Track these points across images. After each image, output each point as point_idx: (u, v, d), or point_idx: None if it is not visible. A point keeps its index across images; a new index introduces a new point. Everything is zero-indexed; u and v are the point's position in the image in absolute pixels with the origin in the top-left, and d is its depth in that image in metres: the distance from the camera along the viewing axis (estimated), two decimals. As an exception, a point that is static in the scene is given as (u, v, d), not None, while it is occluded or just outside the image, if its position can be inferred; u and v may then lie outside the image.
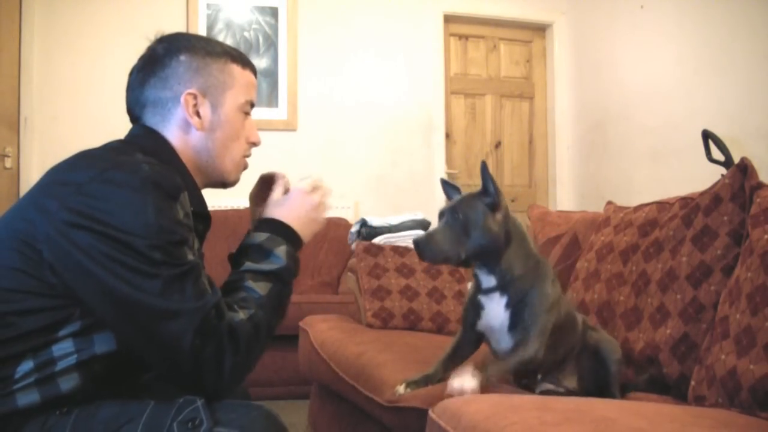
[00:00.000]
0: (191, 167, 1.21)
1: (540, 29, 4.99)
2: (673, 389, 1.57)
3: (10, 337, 1.00)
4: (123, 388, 1.11)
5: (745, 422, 1.19)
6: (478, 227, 1.39)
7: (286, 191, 1.38)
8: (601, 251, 1.96)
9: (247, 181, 1.39)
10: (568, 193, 4.87)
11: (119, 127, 1.31)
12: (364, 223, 2.59)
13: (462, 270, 2.44)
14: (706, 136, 3.24)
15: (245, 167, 1.30)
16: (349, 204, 4.30)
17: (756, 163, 1.61)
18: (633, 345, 1.69)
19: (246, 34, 4.30)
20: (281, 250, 1.18)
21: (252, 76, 1.28)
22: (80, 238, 0.98)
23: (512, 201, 4.80)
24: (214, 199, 1.43)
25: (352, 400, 1.88)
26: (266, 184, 1.36)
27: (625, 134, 4.29)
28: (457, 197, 1.48)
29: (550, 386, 1.49)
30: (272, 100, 4.32)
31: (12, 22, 3.81)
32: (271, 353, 2.42)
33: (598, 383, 1.51)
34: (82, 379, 1.04)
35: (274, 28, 4.35)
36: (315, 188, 1.29)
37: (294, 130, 4.34)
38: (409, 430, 1.48)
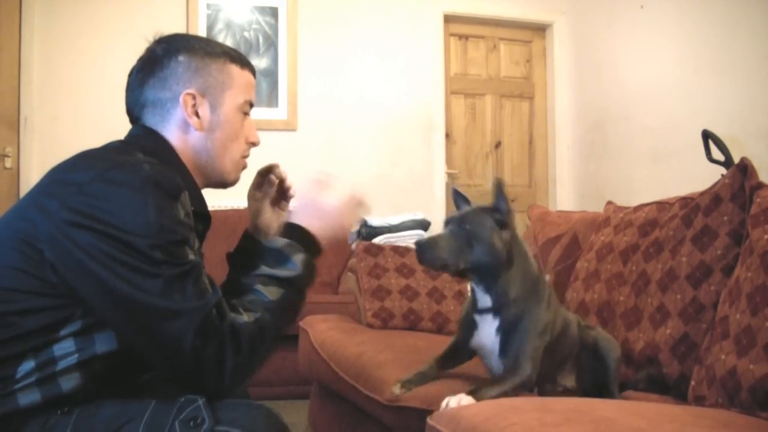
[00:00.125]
0: (191, 167, 1.22)
1: (540, 29, 4.99)
2: (673, 389, 1.57)
3: (11, 337, 1.00)
4: (124, 388, 1.11)
5: (745, 422, 1.19)
6: (483, 241, 1.38)
7: (281, 181, 1.39)
8: (601, 251, 1.96)
9: (247, 182, 1.39)
10: (568, 193, 4.87)
11: (119, 127, 1.31)
12: (364, 223, 2.59)
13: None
14: (706, 136, 3.24)
15: (244, 167, 1.30)
16: (349, 204, 4.29)
17: (756, 163, 1.61)
18: (633, 345, 1.69)
19: (246, 34, 4.30)
20: (298, 258, 1.17)
21: (251, 77, 1.28)
22: (81, 238, 0.99)
23: (512, 201, 4.78)
24: (214, 199, 1.43)
25: (352, 400, 1.88)
26: (264, 179, 1.37)
27: (625, 134, 4.29)
28: (466, 208, 1.47)
29: (548, 385, 1.49)
30: (272, 100, 4.32)
31: (12, 22, 3.81)
32: (271, 353, 2.42)
33: (597, 381, 1.52)
34: (83, 378, 1.04)
35: (274, 28, 4.35)
36: (322, 183, 1.27)
37: (294, 130, 4.34)
38: (410, 430, 1.48)
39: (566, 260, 2.18)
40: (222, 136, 1.23)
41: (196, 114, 1.20)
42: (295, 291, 1.16)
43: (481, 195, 4.82)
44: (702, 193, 1.68)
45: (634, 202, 2.04)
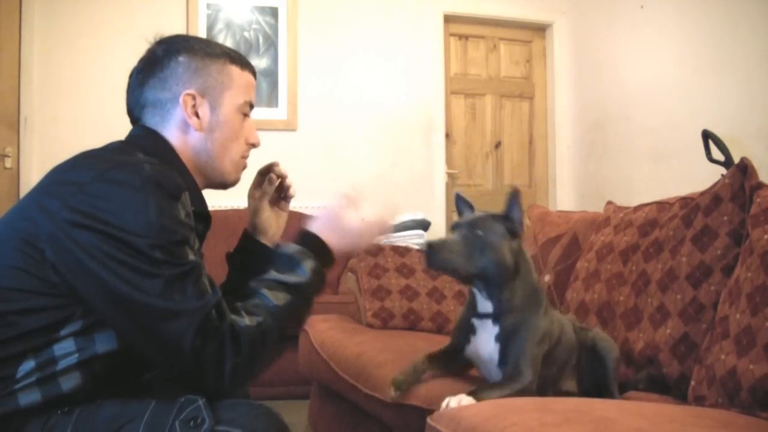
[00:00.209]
0: (191, 167, 1.22)
1: (540, 29, 4.99)
2: (673, 389, 1.57)
3: (12, 337, 1.00)
4: (124, 388, 1.11)
5: (745, 422, 1.20)
6: (495, 249, 1.37)
7: (281, 180, 1.39)
8: (601, 251, 1.96)
9: (248, 182, 1.39)
10: (568, 193, 4.87)
11: (119, 127, 1.31)
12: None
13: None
14: (706, 136, 3.24)
15: (244, 168, 1.30)
16: (349, 204, 4.29)
17: (756, 163, 1.61)
18: (633, 345, 1.69)
19: (246, 34, 4.30)
20: (308, 265, 1.16)
21: (251, 78, 1.28)
22: (82, 237, 0.99)
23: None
24: (214, 199, 1.43)
25: (353, 400, 1.88)
26: (264, 178, 1.37)
27: (625, 134, 4.29)
28: (477, 213, 1.45)
29: (549, 393, 1.49)
30: (272, 100, 4.32)
31: (12, 22, 3.81)
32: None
33: (596, 382, 1.51)
34: (83, 378, 1.04)
35: (274, 28, 4.35)
36: (350, 200, 1.25)
37: (294, 130, 4.34)
38: (410, 429, 1.48)
39: (566, 260, 2.18)
40: (221, 136, 1.23)
41: (196, 114, 1.20)
42: (302, 298, 1.15)
43: (481, 195, 4.82)
44: (702, 193, 1.68)
45: (634, 202, 2.04)
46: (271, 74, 4.31)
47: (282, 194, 1.42)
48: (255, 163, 1.35)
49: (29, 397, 1.01)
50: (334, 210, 1.24)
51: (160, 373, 1.23)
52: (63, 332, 1.02)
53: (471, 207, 1.50)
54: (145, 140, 1.19)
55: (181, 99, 1.19)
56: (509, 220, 1.41)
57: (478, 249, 1.36)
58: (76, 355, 1.03)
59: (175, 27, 4.03)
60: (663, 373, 1.59)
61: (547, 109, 4.99)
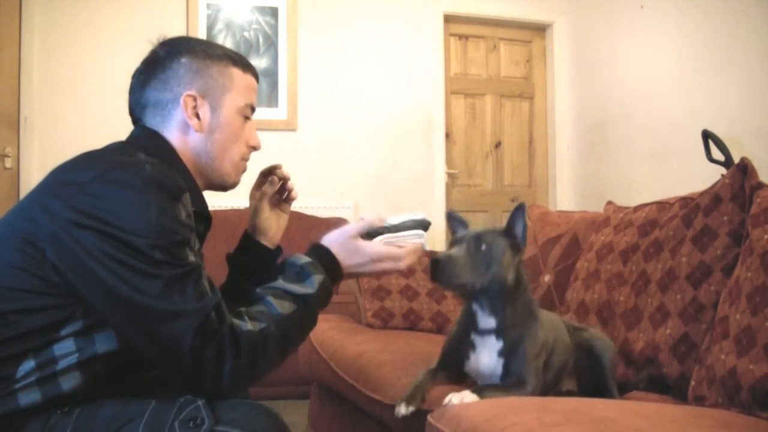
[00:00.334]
0: (191, 168, 1.22)
1: (540, 29, 4.99)
2: (673, 389, 1.57)
3: (12, 336, 1.00)
4: (124, 388, 1.11)
5: (745, 422, 1.20)
6: (499, 263, 1.37)
7: (282, 181, 1.39)
8: (601, 251, 1.96)
9: (248, 183, 1.39)
10: (568, 193, 4.87)
11: (119, 127, 1.31)
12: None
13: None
14: (706, 136, 3.24)
15: (244, 170, 1.30)
16: (349, 204, 4.29)
17: (756, 163, 1.61)
18: (633, 345, 1.69)
19: (246, 34, 4.30)
20: (317, 278, 1.16)
21: (253, 80, 1.28)
22: (83, 237, 0.99)
23: (512, 201, 4.80)
24: (215, 200, 1.43)
25: (353, 400, 1.88)
26: (266, 179, 1.36)
27: (625, 134, 4.29)
28: (479, 229, 1.43)
29: (550, 395, 1.49)
30: (272, 100, 4.32)
31: (12, 22, 3.81)
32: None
33: (594, 382, 1.52)
34: (83, 378, 1.04)
35: (274, 28, 4.34)
36: (370, 226, 1.25)
37: (294, 130, 4.34)
38: (410, 429, 1.48)
39: (566, 260, 2.18)
40: (221, 137, 1.23)
41: (197, 115, 1.20)
42: (307, 309, 1.15)
43: (481, 195, 4.83)
44: (702, 193, 1.68)
45: (634, 202, 2.04)
46: (271, 74, 4.31)
47: (284, 196, 1.42)
48: (256, 163, 1.35)
49: (29, 397, 1.01)
50: (350, 228, 1.24)
51: (160, 373, 1.22)
52: (63, 332, 1.02)
53: (465, 224, 1.49)
54: (146, 141, 1.19)
55: (181, 100, 1.19)
56: (512, 235, 1.40)
57: (483, 264, 1.36)
58: (76, 355, 1.03)
59: (175, 27, 4.03)
60: (663, 373, 1.59)
61: (547, 109, 4.99)
